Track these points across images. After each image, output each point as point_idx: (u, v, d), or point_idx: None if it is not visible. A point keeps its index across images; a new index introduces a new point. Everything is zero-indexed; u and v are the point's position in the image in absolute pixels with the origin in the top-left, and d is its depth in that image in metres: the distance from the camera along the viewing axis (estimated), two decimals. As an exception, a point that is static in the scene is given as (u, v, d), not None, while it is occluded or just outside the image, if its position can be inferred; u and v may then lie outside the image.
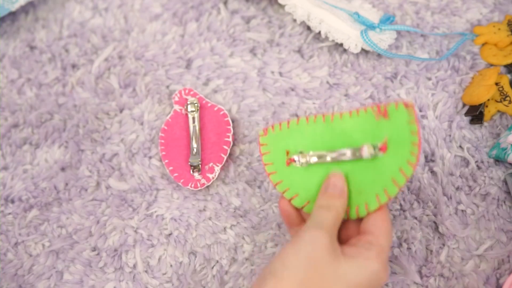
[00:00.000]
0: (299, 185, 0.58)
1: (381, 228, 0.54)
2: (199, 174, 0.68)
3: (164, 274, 0.65)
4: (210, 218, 0.67)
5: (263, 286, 0.50)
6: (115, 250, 0.66)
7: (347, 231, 0.57)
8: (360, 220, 0.57)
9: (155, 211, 0.68)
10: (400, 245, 0.64)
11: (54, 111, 0.74)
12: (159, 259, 0.66)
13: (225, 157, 0.68)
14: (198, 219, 0.67)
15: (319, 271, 0.50)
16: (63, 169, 0.71)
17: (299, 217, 0.59)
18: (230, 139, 0.69)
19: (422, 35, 0.74)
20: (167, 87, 0.74)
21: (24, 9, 0.80)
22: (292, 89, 0.73)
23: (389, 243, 0.55)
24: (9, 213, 0.69)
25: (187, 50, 0.76)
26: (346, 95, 0.72)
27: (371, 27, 0.71)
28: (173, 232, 0.67)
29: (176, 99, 0.71)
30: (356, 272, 0.51)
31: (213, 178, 0.68)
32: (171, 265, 0.66)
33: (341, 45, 0.74)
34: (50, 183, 0.70)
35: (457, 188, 0.66)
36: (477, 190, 0.65)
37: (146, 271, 0.65)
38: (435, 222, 0.64)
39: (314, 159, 0.58)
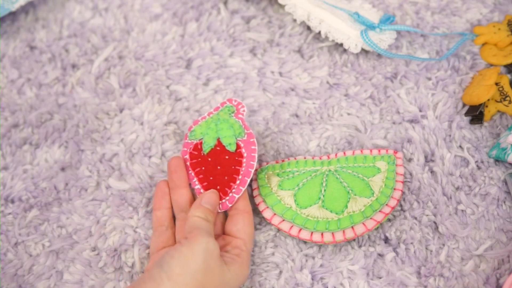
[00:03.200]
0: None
1: (249, 234, 0.62)
2: None
3: (164, 274, 0.65)
4: (210, 218, 0.67)
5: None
6: (115, 250, 0.66)
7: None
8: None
9: (155, 211, 0.68)
10: (398, 245, 0.64)
11: (54, 111, 0.74)
12: (159, 259, 0.66)
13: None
14: (198, 219, 0.67)
15: (213, 278, 0.56)
16: (63, 169, 0.71)
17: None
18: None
19: (422, 35, 0.74)
20: (167, 87, 0.74)
21: (24, 9, 0.80)
22: (292, 89, 0.73)
23: (252, 246, 0.63)
24: (9, 213, 0.69)
25: (187, 50, 0.76)
26: (346, 95, 0.72)
27: (371, 27, 0.71)
28: (173, 232, 0.67)
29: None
30: (235, 278, 0.59)
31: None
32: (171, 265, 0.66)
33: (341, 45, 0.74)
34: (50, 183, 0.70)
35: (457, 188, 0.66)
36: (477, 190, 0.65)
37: (143, 271, 0.65)
38: (435, 222, 0.64)
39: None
